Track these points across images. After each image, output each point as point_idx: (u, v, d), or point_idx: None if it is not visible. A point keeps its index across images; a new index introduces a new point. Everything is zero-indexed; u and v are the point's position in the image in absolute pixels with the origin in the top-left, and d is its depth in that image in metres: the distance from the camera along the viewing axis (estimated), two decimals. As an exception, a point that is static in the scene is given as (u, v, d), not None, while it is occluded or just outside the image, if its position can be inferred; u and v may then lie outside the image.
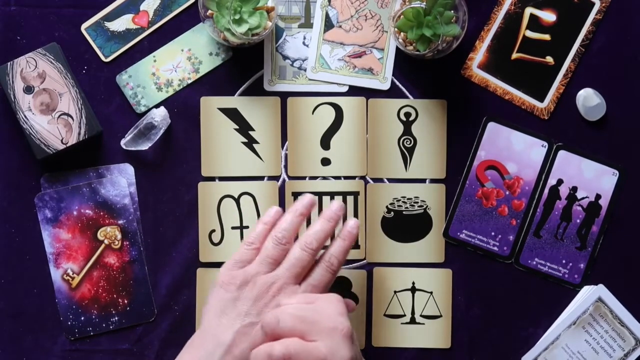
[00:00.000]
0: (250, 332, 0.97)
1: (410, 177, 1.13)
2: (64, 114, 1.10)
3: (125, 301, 1.11)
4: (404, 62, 1.13)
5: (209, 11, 1.09)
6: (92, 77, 1.13)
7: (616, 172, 1.12)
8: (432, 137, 1.13)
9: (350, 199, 1.12)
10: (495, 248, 1.12)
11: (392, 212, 1.13)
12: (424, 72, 1.13)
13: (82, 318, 1.11)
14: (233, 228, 1.12)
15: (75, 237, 1.11)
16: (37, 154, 1.09)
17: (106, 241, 1.10)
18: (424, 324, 1.13)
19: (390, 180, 1.13)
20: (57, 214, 1.10)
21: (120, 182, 1.10)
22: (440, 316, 1.12)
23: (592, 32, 1.13)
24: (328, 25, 1.13)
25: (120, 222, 1.11)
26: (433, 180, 1.13)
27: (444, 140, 1.13)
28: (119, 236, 1.10)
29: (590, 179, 1.12)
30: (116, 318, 1.11)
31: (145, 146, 1.11)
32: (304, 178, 1.13)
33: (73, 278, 1.10)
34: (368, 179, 1.13)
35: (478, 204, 1.12)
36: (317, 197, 1.10)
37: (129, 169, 1.11)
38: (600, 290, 1.10)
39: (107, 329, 1.11)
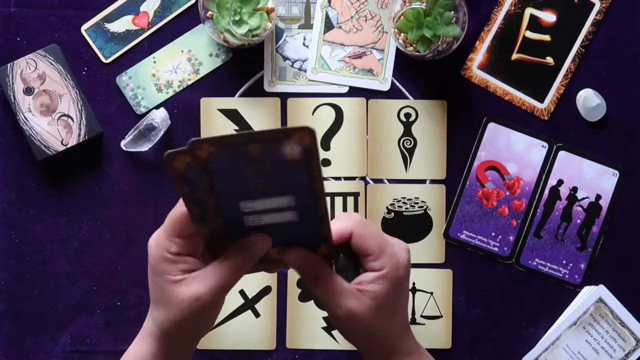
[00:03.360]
0: None
1: (410, 178, 1.13)
2: (64, 115, 1.10)
3: None
4: (404, 63, 1.13)
5: (209, 12, 1.09)
6: (92, 79, 1.13)
7: (616, 172, 1.12)
8: (432, 138, 1.13)
9: (350, 199, 1.12)
10: (496, 248, 1.12)
11: (392, 213, 1.13)
12: (424, 72, 1.13)
13: None
14: (233, 229, 1.12)
15: None
16: (37, 155, 1.09)
17: None
18: (424, 324, 1.12)
19: (391, 181, 1.13)
20: None
21: None
22: (441, 317, 1.12)
23: (592, 33, 1.13)
24: (328, 26, 1.13)
25: None
26: (433, 181, 1.13)
27: (444, 141, 1.13)
28: None
29: (591, 179, 1.12)
30: None
31: (145, 147, 1.11)
32: (304, 179, 1.13)
33: None
34: (368, 179, 1.13)
35: (478, 205, 1.12)
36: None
37: None
38: (600, 291, 1.10)
39: None
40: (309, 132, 0.80)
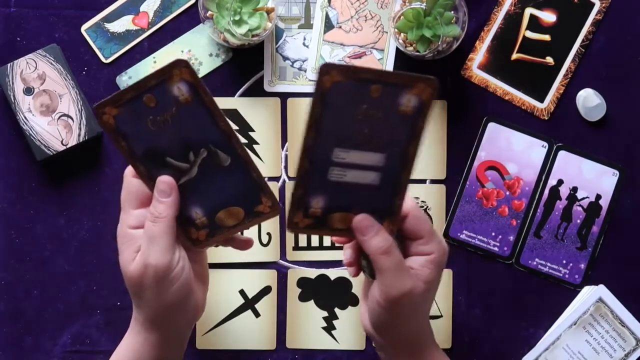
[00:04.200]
0: None
1: (410, 178, 1.12)
2: (64, 115, 1.10)
3: None
4: (404, 63, 1.13)
5: (209, 12, 1.09)
6: (92, 79, 1.13)
7: (616, 172, 1.12)
8: (432, 138, 1.12)
9: (350, 199, 1.12)
10: (496, 248, 1.12)
11: (392, 213, 1.12)
12: (424, 72, 1.13)
13: None
14: (233, 229, 1.12)
15: None
16: (37, 155, 1.09)
17: None
18: (424, 324, 1.12)
19: (391, 180, 1.13)
20: None
21: None
22: (441, 316, 1.12)
23: (592, 32, 1.13)
24: (328, 26, 1.13)
25: None
26: (433, 181, 1.13)
27: (444, 141, 1.13)
28: None
29: (591, 179, 1.12)
30: None
31: (145, 147, 1.11)
32: (304, 179, 1.13)
33: None
34: (368, 179, 1.13)
35: (478, 205, 1.12)
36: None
37: None
38: (600, 291, 1.10)
39: None
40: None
